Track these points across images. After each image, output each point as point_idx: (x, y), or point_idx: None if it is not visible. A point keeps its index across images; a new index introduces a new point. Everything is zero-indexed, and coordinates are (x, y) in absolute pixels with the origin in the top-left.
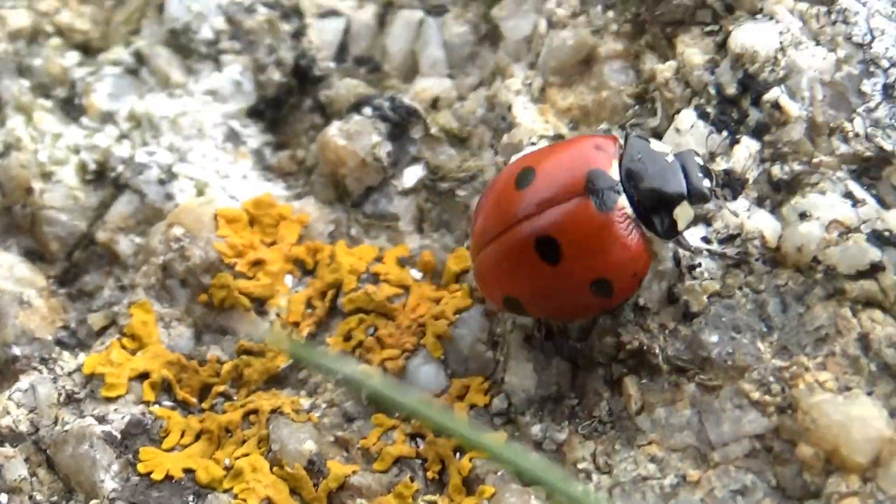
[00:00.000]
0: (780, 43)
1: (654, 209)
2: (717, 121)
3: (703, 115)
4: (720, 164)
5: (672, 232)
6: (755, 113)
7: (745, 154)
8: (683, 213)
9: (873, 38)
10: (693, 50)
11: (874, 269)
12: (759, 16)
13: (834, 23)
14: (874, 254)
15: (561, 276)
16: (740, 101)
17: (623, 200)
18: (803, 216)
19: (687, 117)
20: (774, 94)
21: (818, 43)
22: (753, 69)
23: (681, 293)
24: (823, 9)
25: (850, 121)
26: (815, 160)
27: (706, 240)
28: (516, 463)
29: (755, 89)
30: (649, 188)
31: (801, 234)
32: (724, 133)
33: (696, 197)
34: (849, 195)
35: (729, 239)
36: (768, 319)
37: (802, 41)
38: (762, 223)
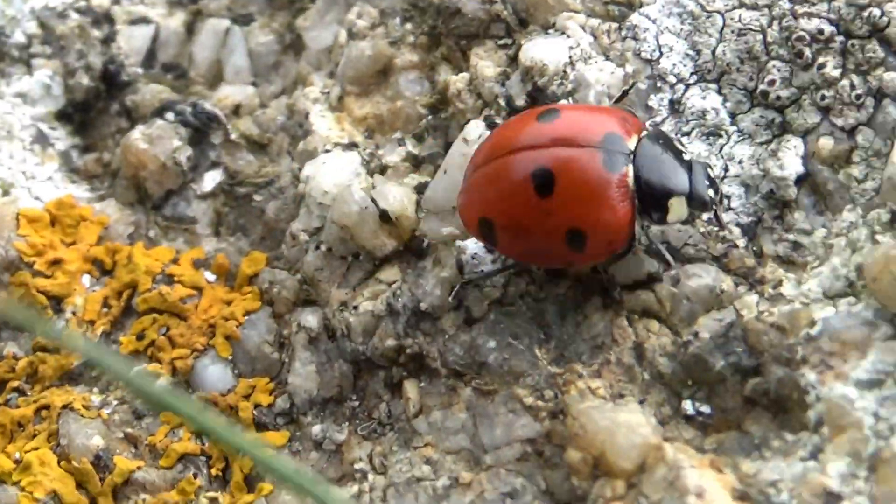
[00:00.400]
0: (570, 57)
1: (653, 192)
2: None
3: (491, 126)
4: None
5: (660, 219)
6: None
7: None
8: (678, 206)
9: (661, 54)
10: (486, 62)
11: (651, 280)
12: (551, 31)
13: (624, 39)
14: (651, 265)
15: (544, 211)
16: None
17: (629, 169)
18: None
19: (474, 128)
20: None
21: (608, 58)
22: (542, 82)
23: (463, 298)
24: (614, 25)
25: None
26: None
27: (490, 249)
28: (279, 471)
29: (543, 101)
30: (657, 171)
31: None
32: None
33: (696, 200)
34: None
35: None
36: (547, 327)
37: (592, 56)
38: None
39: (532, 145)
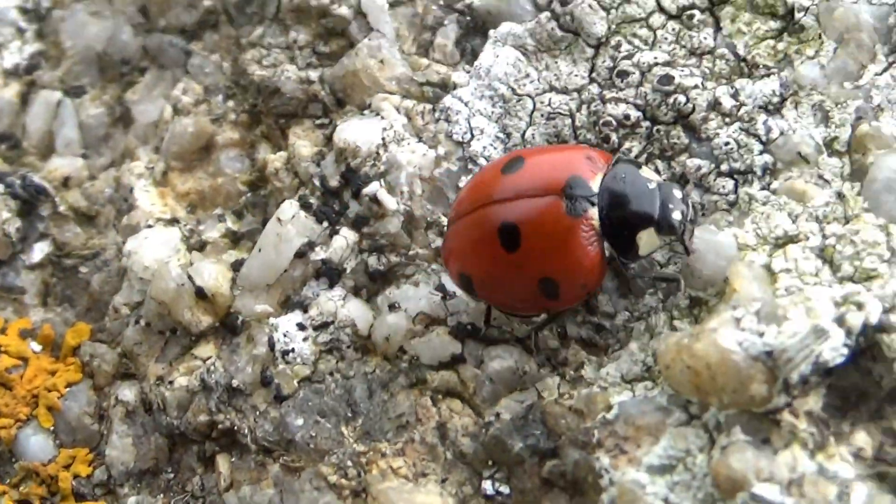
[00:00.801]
0: (383, 139)
1: (620, 228)
2: (319, 211)
3: (305, 206)
4: (319, 254)
5: (632, 255)
6: (355, 206)
7: (342, 244)
8: (649, 239)
9: (473, 136)
10: (303, 142)
11: (455, 361)
12: (366, 111)
13: (437, 120)
14: (455, 346)
15: (514, 264)
16: (342, 194)
17: (593, 212)
18: (393, 307)
19: (288, 208)
20: (373, 188)
21: (420, 139)
22: (355, 163)
23: (273, 376)
24: (429, 106)
25: (447, 216)
26: (411, 253)
27: (301, 326)
28: None
29: (356, 183)
30: (620, 207)
31: (389, 325)
32: (325, 224)
33: (664, 227)
34: (440, 288)
35: (323, 326)
36: (354, 405)
37: (405, 137)
38: (355, 312)
39: (498, 199)
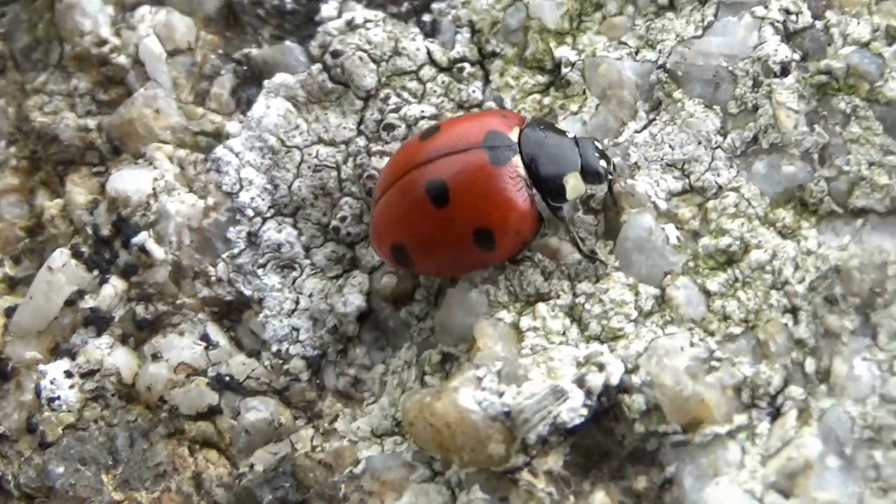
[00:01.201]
0: (154, 188)
1: (546, 174)
2: (90, 260)
3: (77, 254)
4: (88, 302)
5: (559, 198)
6: (125, 255)
7: (111, 293)
8: (575, 183)
9: (241, 187)
10: (79, 189)
11: (212, 412)
12: (140, 160)
13: (208, 171)
14: (213, 397)
15: (446, 220)
16: (113, 243)
17: (517, 159)
18: (156, 357)
19: (59, 256)
20: (142, 238)
21: (191, 189)
22: (126, 213)
23: (38, 423)
24: (201, 156)
25: (215, 266)
26: (178, 302)
27: (68, 373)
28: None
29: (126, 232)
30: (544, 154)
31: (151, 374)
32: (95, 272)
33: (589, 173)
34: (205, 338)
35: (89, 374)
36: (116, 453)
37: (176, 187)
38: (121, 360)
39: (421, 163)
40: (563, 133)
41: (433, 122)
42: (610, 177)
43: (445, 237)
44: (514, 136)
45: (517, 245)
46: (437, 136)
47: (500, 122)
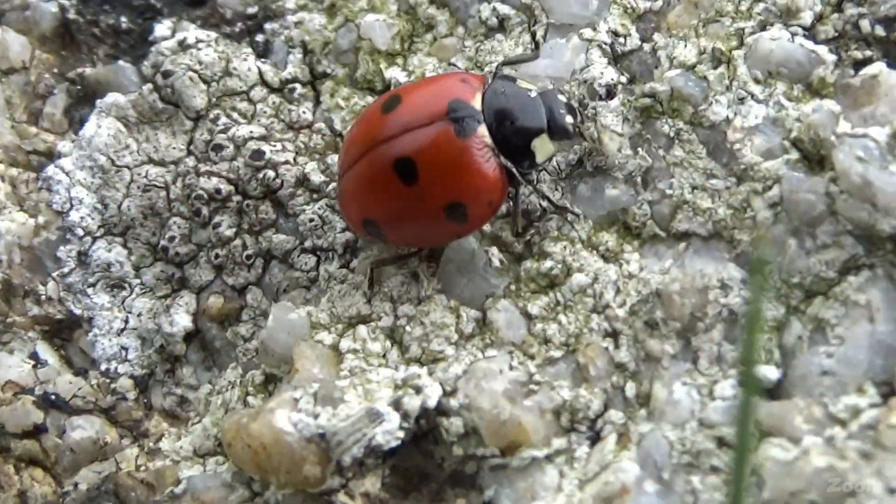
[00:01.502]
0: None
1: (513, 140)
2: None
3: None
4: None
5: (529, 164)
6: None
7: None
8: (542, 146)
9: (72, 206)
10: None
11: (38, 430)
12: None
13: (39, 190)
14: (38, 416)
15: (417, 197)
16: None
17: (482, 129)
18: None
19: None
20: None
21: (22, 208)
22: None
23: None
24: (33, 175)
25: (45, 284)
26: (8, 321)
27: None
28: None
29: None
30: (509, 119)
31: None
32: None
33: (557, 132)
34: (34, 356)
35: None
36: None
37: (7, 206)
38: None
39: (386, 138)
40: (526, 91)
41: (393, 91)
42: (579, 128)
43: (417, 213)
44: (476, 103)
45: (489, 214)
46: (400, 109)
47: (462, 87)
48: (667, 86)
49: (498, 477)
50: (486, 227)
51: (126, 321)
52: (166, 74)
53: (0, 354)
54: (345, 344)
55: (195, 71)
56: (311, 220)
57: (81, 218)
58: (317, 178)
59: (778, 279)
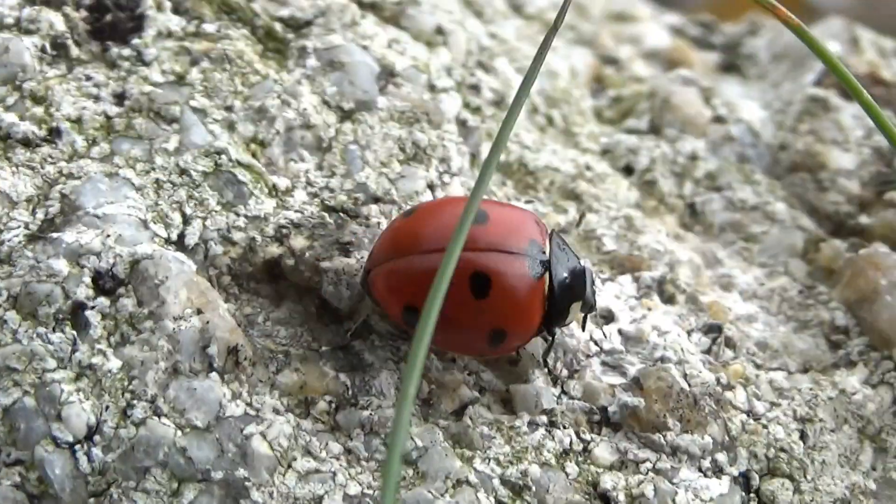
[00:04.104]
0: None
1: (562, 296)
2: None
3: None
4: None
5: (560, 321)
6: None
7: None
8: (575, 311)
9: None
10: None
11: None
12: None
13: None
14: None
15: (476, 310)
16: None
17: (546, 277)
18: None
19: None
20: None
21: None
22: None
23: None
24: None
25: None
26: None
27: None
28: None
29: None
30: (566, 277)
31: None
32: None
33: (586, 304)
34: None
35: None
36: None
37: None
38: None
39: (470, 247)
40: (577, 258)
41: (479, 203)
42: (594, 311)
43: (466, 323)
44: (546, 249)
45: (512, 349)
46: (489, 227)
47: (539, 230)
48: None
49: None
50: None
51: None
52: None
53: None
54: None
55: None
56: None
57: None
58: None
59: None
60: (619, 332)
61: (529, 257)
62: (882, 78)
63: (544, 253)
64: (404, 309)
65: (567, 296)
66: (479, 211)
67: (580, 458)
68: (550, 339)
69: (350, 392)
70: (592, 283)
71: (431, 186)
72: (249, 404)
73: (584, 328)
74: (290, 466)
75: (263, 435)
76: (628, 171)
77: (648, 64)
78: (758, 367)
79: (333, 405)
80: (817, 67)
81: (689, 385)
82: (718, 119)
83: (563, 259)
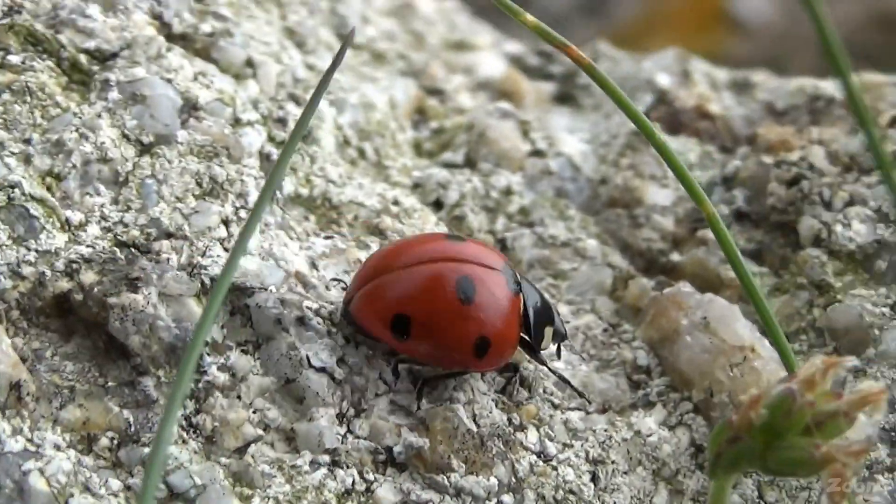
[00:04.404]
0: None
1: (537, 318)
2: None
3: None
4: None
5: (538, 343)
6: None
7: None
8: (549, 336)
9: None
10: None
11: None
12: None
13: None
14: None
15: (462, 315)
16: None
17: (521, 296)
18: None
19: None
20: None
21: None
22: None
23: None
24: None
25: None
26: None
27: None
28: None
29: None
30: (538, 302)
31: None
32: None
33: (558, 332)
34: None
35: None
36: None
37: None
38: None
39: (457, 258)
40: (542, 292)
41: (450, 233)
42: (566, 340)
43: (453, 329)
44: (517, 274)
45: (493, 365)
46: (466, 245)
47: (505, 259)
48: None
49: None
50: None
51: None
52: None
53: None
54: None
55: None
56: None
57: None
58: None
59: None
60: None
61: (506, 274)
62: (709, 112)
63: (516, 276)
64: (393, 321)
65: (540, 317)
66: (456, 235)
67: (362, 499)
68: (541, 362)
69: (133, 429)
70: (558, 313)
71: (226, 222)
72: (30, 440)
73: (559, 356)
74: (66, 503)
75: (41, 471)
76: (439, 205)
77: (478, 95)
78: (555, 406)
79: (116, 441)
80: (647, 100)
81: (478, 426)
82: (537, 153)
83: (532, 287)
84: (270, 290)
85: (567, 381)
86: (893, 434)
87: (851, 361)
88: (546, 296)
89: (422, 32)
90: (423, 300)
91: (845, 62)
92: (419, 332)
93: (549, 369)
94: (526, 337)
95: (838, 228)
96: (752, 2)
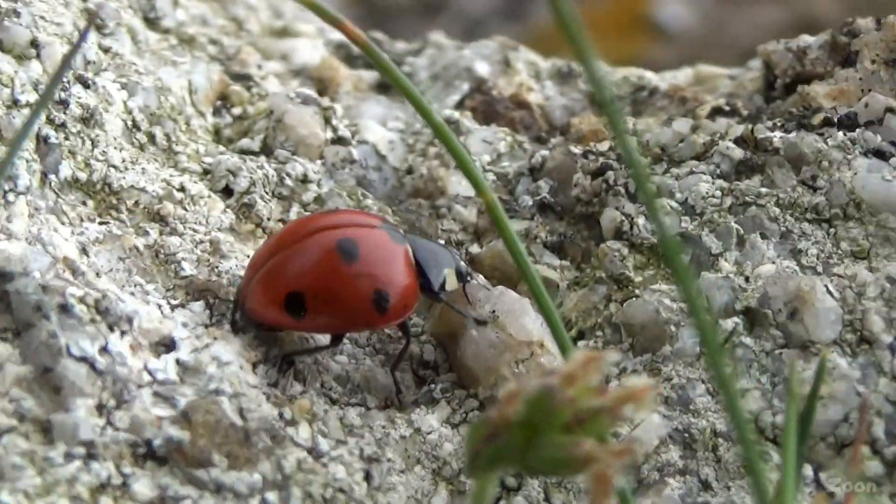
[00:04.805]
0: None
1: (431, 265)
2: None
3: None
4: None
5: (441, 287)
6: None
7: None
8: (451, 277)
9: None
10: None
11: None
12: None
13: None
14: None
15: (352, 275)
16: None
17: (408, 247)
18: None
19: None
20: None
21: None
22: None
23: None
24: None
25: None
26: None
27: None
28: None
29: None
30: (428, 249)
31: None
32: None
33: (460, 272)
34: None
35: None
36: None
37: None
38: None
39: (332, 226)
40: (431, 239)
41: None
42: (470, 278)
43: (346, 291)
44: (399, 228)
45: (400, 316)
46: (341, 213)
47: (383, 220)
48: None
49: None
50: None
51: None
52: None
53: None
54: None
55: None
56: None
57: None
58: None
59: None
60: (178, 361)
61: (387, 230)
62: (525, 100)
63: (398, 229)
64: (286, 301)
65: (435, 261)
66: (329, 210)
67: (118, 494)
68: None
69: None
70: (458, 253)
71: None
72: None
73: (468, 299)
74: None
75: None
76: (229, 192)
77: (291, 82)
78: (332, 402)
79: None
80: (464, 88)
81: (245, 419)
82: (340, 140)
83: (415, 237)
84: (32, 276)
85: (466, 314)
86: (686, 435)
87: (613, 356)
88: (441, 242)
89: (242, 18)
90: (310, 272)
91: (587, 46)
92: (314, 304)
93: (456, 310)
94: (427, 282)
95: (641, 221)
96: (674, 9)
